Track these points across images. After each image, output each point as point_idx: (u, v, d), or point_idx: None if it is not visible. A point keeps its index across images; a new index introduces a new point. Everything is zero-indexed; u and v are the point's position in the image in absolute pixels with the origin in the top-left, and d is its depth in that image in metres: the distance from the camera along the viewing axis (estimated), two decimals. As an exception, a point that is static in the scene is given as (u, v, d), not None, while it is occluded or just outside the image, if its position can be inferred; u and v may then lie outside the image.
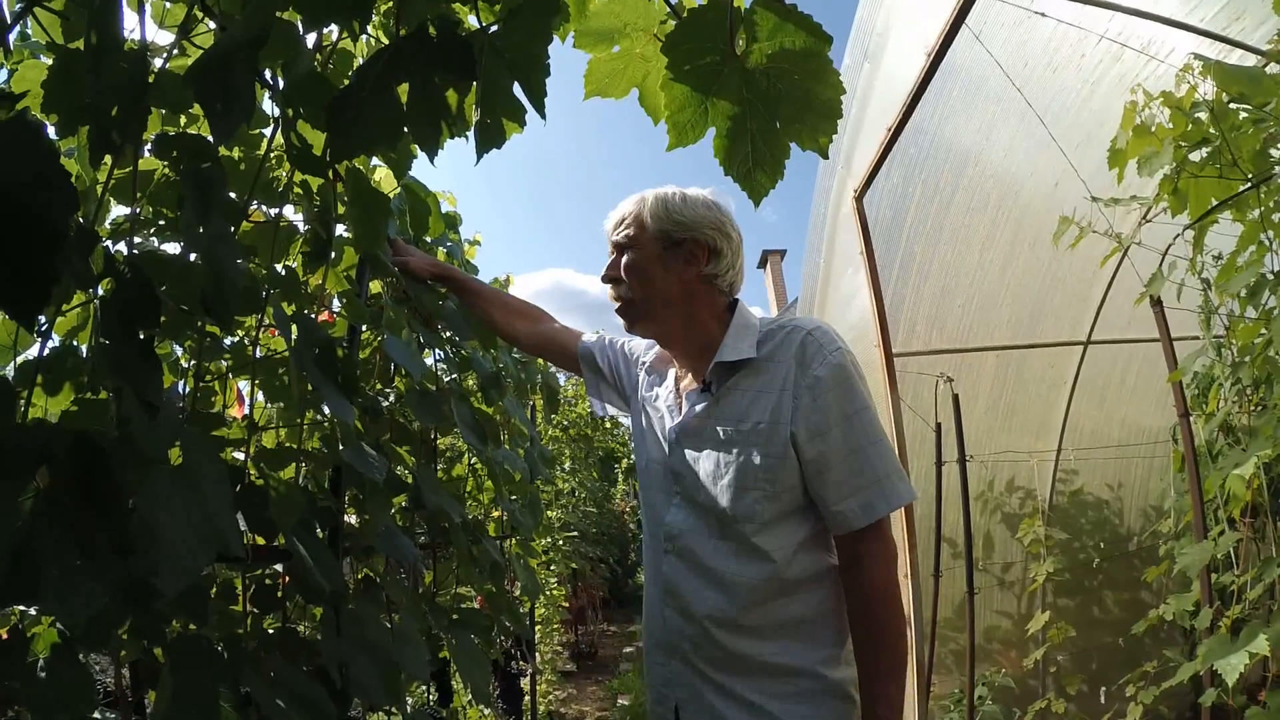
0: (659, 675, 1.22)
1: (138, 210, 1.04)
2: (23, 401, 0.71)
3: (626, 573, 9.15)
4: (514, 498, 2.01)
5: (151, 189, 1.05)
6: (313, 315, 1.24)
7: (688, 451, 1.21)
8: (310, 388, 1.01)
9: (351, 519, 1.35)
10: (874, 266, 2.46)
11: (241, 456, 1.08)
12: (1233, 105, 1.54)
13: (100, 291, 0.78)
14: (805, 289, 3.58)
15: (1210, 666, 1.66)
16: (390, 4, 1.04)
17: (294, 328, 1.02)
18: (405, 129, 0.79)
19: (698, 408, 1.20)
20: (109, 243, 1.01)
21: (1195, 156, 1.64)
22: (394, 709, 1.17)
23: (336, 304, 1.43)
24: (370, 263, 1.32)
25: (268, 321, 1.13)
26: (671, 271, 1.20)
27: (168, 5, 1.01)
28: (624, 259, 1.22)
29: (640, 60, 0.94)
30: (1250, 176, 1.53)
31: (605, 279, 1.26)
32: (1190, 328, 2.20)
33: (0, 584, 0.57)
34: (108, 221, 1.08)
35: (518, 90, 0.81)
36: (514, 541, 2.11)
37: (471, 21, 0.82)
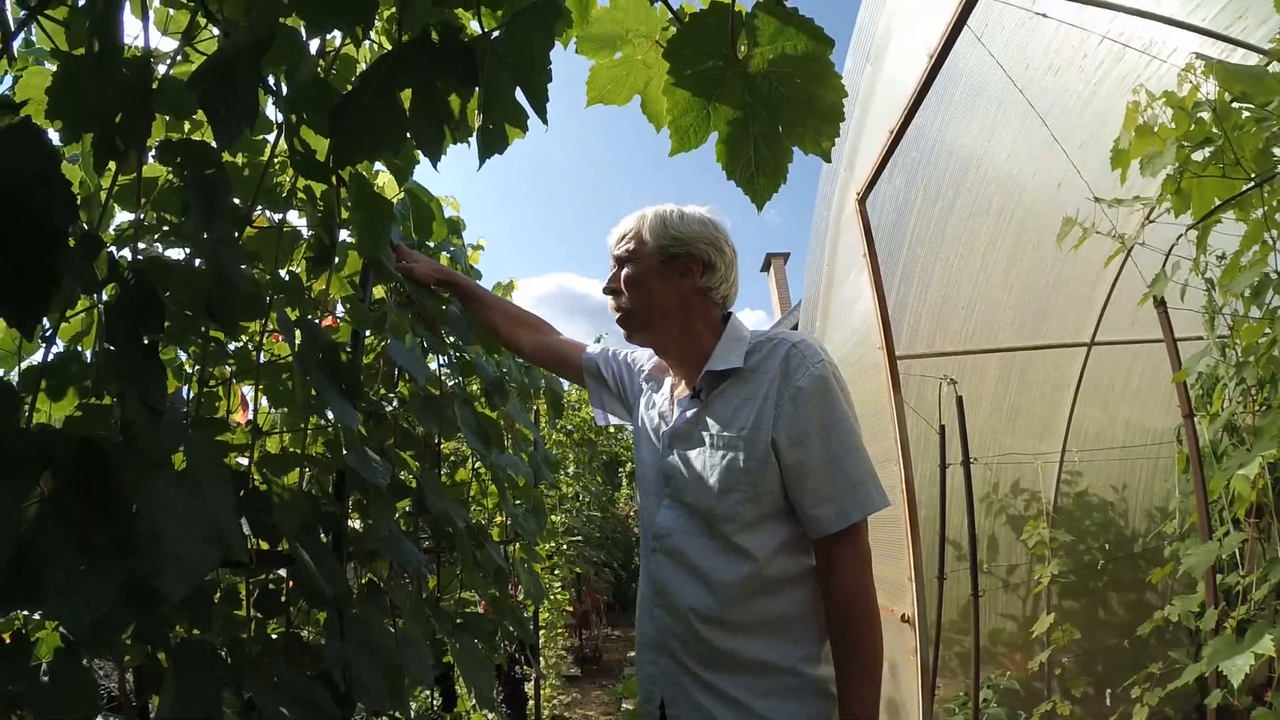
0: (648, 672, 1.27)
1: (142, 216, 1.05)
2: (27, 406, 0.71)
3: (631, 577, 9.12)
4: (518, 502, 2.01)
5: (155, 195, 1.05)
6: (316, 320, 1.24)
7: (677, 453, 1.25)
8: (314, 393, 1.01)
9: (355, 524, 1.35)
10: (877, 269, 2.46)
11: (245, 461, 1.08)
12: (1235, 104, 1.54)
13: (105, 297, 0.78)
14: (808, 292, 3.57)
15: (1215, 668, 1.65)
16: (393, 9, 1.04)
17: (298, 333, 1.03)
18: (408, 134, 0.80)
19: (688, 413, 1.26)
20: (113, 248, 1.02)
21: (1198, 156, 1.64)
22: (397, 713, 1.17)
23: (340, 309, 1.44)
24: (374, 268, 1.33)
25: (272, 327, 1.13)
26: (668, 283, 1.26)
27: (171, 12, 1.02)
28: (624, 272, 1.29)
29: (642, 67, 0.95)
30: (1253, 176, 1.52)
31: (606, 290, 1.34)
32: (1194, 328, 2.20)
33: (3, 586, 0.57)
34: (112, 227, 1.08)
35: (520, 95, 0.81)
36: (518, 546, 2.11)
37: (474, 27, 0.82)
